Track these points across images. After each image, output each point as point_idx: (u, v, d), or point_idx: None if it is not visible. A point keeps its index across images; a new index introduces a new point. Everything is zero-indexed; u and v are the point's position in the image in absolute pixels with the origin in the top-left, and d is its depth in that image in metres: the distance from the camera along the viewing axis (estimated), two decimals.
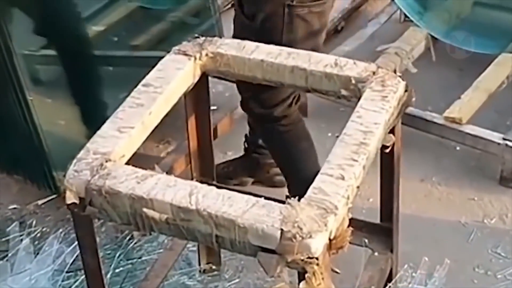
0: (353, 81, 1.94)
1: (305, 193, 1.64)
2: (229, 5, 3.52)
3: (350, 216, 1.66)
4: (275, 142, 2.56)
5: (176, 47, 2.06)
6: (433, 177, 2.96)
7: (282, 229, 1.55)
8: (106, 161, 1.73)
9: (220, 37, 2.11)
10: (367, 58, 2.19)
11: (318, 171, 1.71)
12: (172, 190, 1.65)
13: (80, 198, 1.70)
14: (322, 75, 1.97)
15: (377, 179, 2.13)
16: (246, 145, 2.89)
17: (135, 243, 2.61)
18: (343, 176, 1.67)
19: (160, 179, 1.69)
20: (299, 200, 1.61)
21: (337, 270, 2.18)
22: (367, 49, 3.41)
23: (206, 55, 2.04)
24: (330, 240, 1.59)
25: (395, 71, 2.00)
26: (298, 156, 2.54)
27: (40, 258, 2.53)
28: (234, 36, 2.43)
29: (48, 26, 2.50)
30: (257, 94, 2.41)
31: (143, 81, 1.96)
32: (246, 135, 2.87)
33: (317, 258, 1.55)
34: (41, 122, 2.56)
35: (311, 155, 2.54)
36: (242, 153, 2.92)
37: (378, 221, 2.22)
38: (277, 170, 2.82)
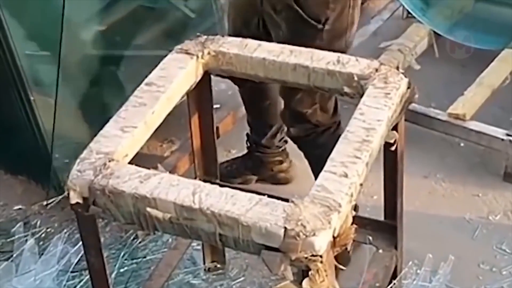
0: (356, 78, 1.94)
1: None
2: None
3: (354, 213, 1.66)
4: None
5: (178, 46, 2.06)
6: (437, 174, 2.95)
7: (285, 227, 1.55)
8: (109, 161, 1.73)
9: (222, 36, 2.10)
10: (369, 55, 2.17)
11: None
12: (175, 189, 1.65)
13: (84, 198, 1.70)
14: (324, 73, 1.96)
15: (381, 177, 2.12)
16: (248, 144, 2.89)
17: (140, 243, 2.62)
18: (346, 174, 1.67)
19: (163, 178, 1.68)
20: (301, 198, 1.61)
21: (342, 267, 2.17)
22: (369, 46, 3.41)
23: (209, 53, 2.04)
24: (333, 237, 1.59)
25: (398, 68, 1.99)
26: None
27: (44, 258, 2.53)
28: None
29: (50, 25, 2.49)
30: (323, 103, 2.41)
31: (146, 80, 1.96)
32: (247, 134, 2.87)
33: (321, 256, 1.55)
34: (44, 122, 2.56)
35: None
36: (245, 151, 2.92)
37: (382, 218, 2.22)
38: (281, 167, 2.83)
